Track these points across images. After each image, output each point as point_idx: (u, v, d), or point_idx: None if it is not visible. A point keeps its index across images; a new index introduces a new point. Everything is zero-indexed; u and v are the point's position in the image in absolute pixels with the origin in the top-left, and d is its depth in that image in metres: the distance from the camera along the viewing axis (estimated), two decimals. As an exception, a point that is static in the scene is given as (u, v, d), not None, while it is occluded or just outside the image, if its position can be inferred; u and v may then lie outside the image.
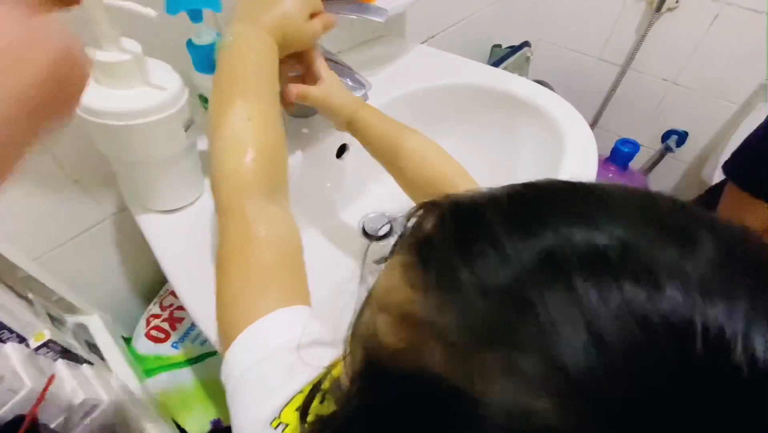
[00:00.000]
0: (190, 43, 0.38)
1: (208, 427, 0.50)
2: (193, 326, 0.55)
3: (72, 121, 0.40)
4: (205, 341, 0.55)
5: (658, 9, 1.02)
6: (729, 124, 1.09)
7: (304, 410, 0.21)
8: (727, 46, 1.00)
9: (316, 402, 0.21)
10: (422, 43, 0.84)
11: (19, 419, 0.33)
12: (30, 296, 0.47)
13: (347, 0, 0.50)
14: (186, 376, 0.53)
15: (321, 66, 0.43)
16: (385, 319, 0.15)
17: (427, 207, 0.17)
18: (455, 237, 0.14)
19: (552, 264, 0.12)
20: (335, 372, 0.22)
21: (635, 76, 1.17)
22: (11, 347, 0.39)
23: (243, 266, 0.28)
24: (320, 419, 0.19)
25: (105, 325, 0.54)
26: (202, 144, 0.45)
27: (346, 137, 0.59)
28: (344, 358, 0.19)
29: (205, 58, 0.37)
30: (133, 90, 0.33)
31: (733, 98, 1.06)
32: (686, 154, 1.21)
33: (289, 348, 0.24)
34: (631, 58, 1.14)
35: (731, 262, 0.12)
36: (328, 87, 0.42)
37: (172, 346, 0.54)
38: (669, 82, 1.13)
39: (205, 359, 0.55)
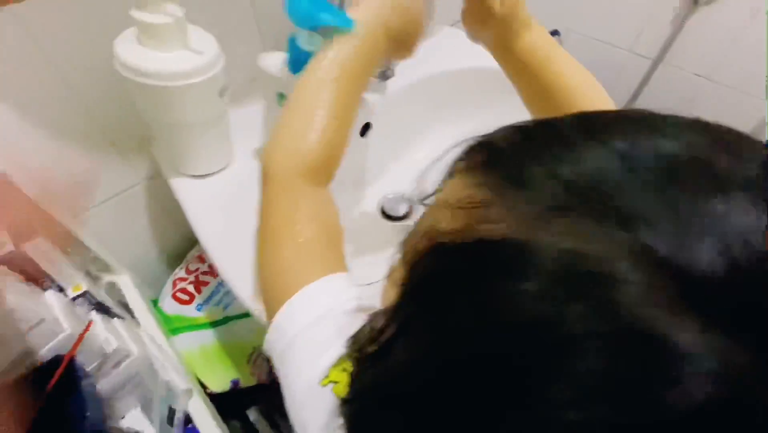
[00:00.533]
0: (293, 43, 0.37)
1: (228, 386, 0.53)
2: (217, 289, 0.58)
3: (110, 81, 0.42)
4: (228, 305, 0.58)
5: (695, 2, 0.99)
6: (760, 124, 1.06)
7: (353, 347, 0.22)
8: (764, 43, 0.96)
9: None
10: (451, 26, 0.84)
11: (58, 359, 0.36)
12: (69, 250, 0.50)
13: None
14: (208, 337, 0.56)
15: None
16: (447, 213, 0.16)
17: (485, 135, 0.19)
18: (523, 142, 0.16)
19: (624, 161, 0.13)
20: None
21: (668, 70, 1.14)
22: (51, 295, 0.41)
23: (292, 239, 0.29)
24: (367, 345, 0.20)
25: (134, 285, 0.57)
26: (235, 116, 0.46)
27: (371, 115, 0.60)
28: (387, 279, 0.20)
29: (303, 62, 0.35)
30: (173, 53, 0.34)
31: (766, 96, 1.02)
32: (716, 153, 1.18)
33: (336, 313, 0.25)
34: (664, 51, 1.10)
35: None
36: None
37: (196, 308, 0.57)
38: (702, 77, 1.10)
39: (227, 322, 0.57)
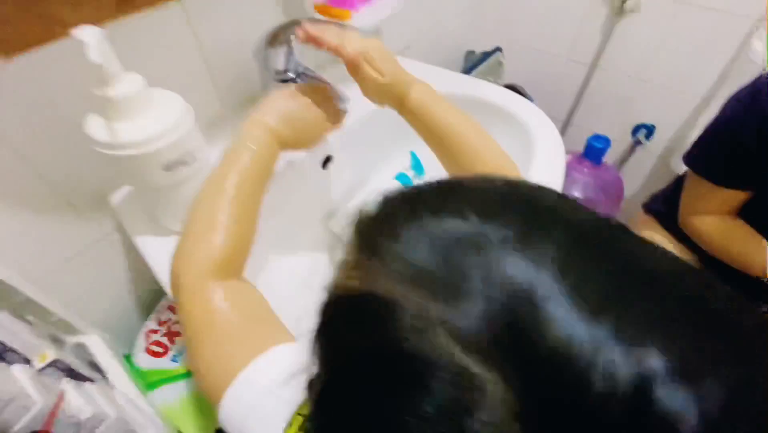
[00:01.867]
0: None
1: (212, 435, 0.52)
2: (191, 338, 0.57)
3: (56, 143, 0.42)
4: (203, 352, 0.57)
5: (620, 11, 1.08)
6: (692, 115, 1.15)
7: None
8: (686, 43, 1.06)
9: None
10: (397, 53, 0.87)
11: (33, 435, 0.35)
12: (29, 318, 0.48)
13: (321, 22, 0.53)
14: (187, 387, 0.55)
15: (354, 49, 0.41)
16: (339, 270, 0.20)
17: (371, 201, 0.22)
18: (375, 221, 0.20)
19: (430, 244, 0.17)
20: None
21: (603, 74, 1.23)
22: (18, 368, 0.40)
23: (212, 335, 0.30)
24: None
25: (104, 343, 0.56)
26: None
27: (331, 148, 0.62)
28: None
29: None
30: (139, 121, 0.35)
31: (695, 91, 1.12)
32: (655, 146, 1.27)
33: (276, 384, 0.27)
34: (597, 57, 1.19)
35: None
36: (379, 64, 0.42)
37: (171, 360, 0.56)
38: (634, 78, 1.19)
39: (204, 369, 0.57)
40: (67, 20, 0.40)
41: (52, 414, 0.36)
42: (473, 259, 0.15)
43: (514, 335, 0.13)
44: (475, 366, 0.13)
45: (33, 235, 0.47)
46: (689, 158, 0.72)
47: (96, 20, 0.41)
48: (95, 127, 0.35)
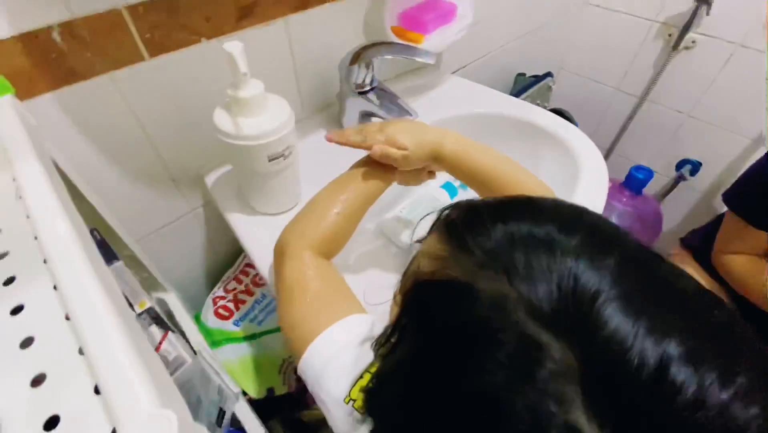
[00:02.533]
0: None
1: (265, 393, 0.59)
2: (252, 307, 0.65)
3: (176, 129, 0.51)
4: (261, 321, 0.65)
5: (675, 47, 1.10)
6: (741, 156, 1.15)
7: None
8: (739, 84, 1.07)
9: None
10: (453, 72, 0.94)
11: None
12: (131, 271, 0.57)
13: (398, 44, 0.60)
14: (245, 349, 0.63)
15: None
16: (425, 261, 0.26)
17: (453, 206, 0.28)
18: (463, 221, 0.25)
19: (510, 241, 0.22)
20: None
21: (652, 107, 1.24)
22: (126, 310, 0.49)
23: (305, 295, 0.38)
24: (377, 355, 0.29)
25: (179, 301, 0.64)
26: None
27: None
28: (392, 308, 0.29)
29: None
30: (256, 118, 0.43)
31: (745, 132, 1.12)
32: (700, 183, 1.27)
33: (351, 346, 0.34)
34: (648, 90, 1.21)
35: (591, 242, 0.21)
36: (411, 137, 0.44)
37: (234, 323, 0.64)
38: (684, 114, 1.20)
39: (260, 336, 0.65)
40: (201, 30, 0.49)
41: (156, 349, 0.44)
42: (549, 257, 0.21)
43: (580, 317, 0.19)
44: (544, 335, 0.19)
45: (140, 201, 0.57)
46: (728, 196, 0.74)
47: (221, 31, 0.50)
48: (222, 119, 0.43)
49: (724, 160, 1.20)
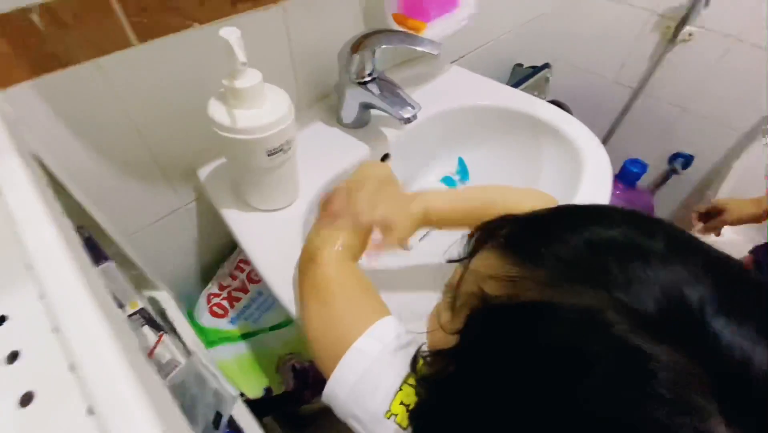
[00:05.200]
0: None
1: (262, 393, 0.58)
2: (248, 305, 0.63)
3: (167, 120, 0.49)
4: (257, 319, 0.63)
5: (672, 39, 1.10)
6: (733, 150, 1.16)
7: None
8: (734, 78, 1.07)
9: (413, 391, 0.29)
10: (453, 62, 0.92)
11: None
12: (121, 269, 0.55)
13: (400, 32, 0.58)
14: (241, 348, 0.61)
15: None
16: (493, 284, 0.23)
17: (499, 221, 0.26)
18: (531, 234, 0.23)
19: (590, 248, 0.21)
20: (419, 366, 0.30)
21: (647, 100, 1.24)
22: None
23: (328, 300, 0.36)
24: (428, 377, 0.27)
25: (172, 299, 0.62)
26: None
27: (390, 147, 0.67)
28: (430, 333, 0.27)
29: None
30: (253, 110, 0.41)
31: (738, 127, 1.13)
32: (692, 176, 1.28)
33: (384, 355, 0.32)
34: (644, 83, 1.21)
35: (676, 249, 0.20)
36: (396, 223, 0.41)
37: (229, 321, 0.62)
38: (678, 107, 1.20)
39: (256, 334, 0.63)
40: (194, 14, 0.46)
41: (150, 354, 0.42)
42: (642, 262, 0.19)
43: (692, 324, 0.18)
44: (654, 345, 0.17)
45: (130, 196, 0.54)
46: None
47: (216, 16, 0.47)
48: (217, 111, 0.40)
49: (716, 155, 1.21)
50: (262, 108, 0.40)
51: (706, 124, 1.17)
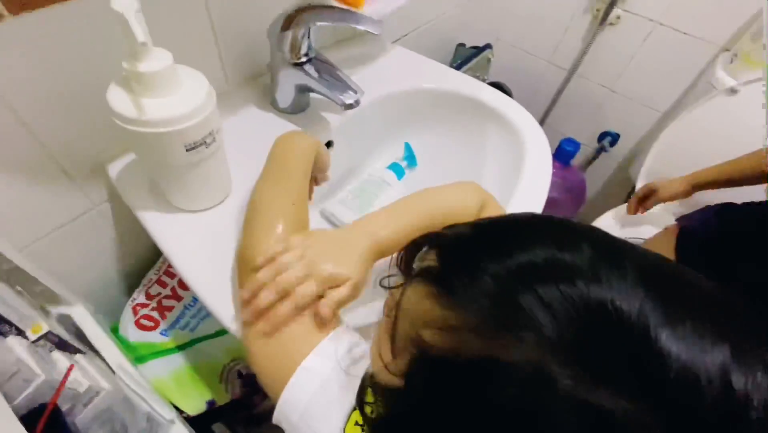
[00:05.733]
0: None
1: (204, 407, 0.53)
2: (182, 313, 0.57)
3: (60, 110, 0.41)
4: (194, 328, 0.58)
5: (602, 22, 1.14)
6: (654, 129, 1.26)
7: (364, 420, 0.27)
8: (656, 60, 1.14)
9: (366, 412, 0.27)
10: (394, 42, 0.88)
11: (40, 408, 0.35)
12: (17, 288, 0.46)
13: (337, 8, 0.53)
14: (177, 361, 0.55)
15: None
16: (430, 332, 0.21)
17: (426, 241, 0.25)
18: (457, 266, 0.21)
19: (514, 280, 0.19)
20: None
21: (580, 81, 1.30)
22: (13, 340, 0.39)
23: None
24: (377, 419, 0.25)
25: (89, 314, 0.54)
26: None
27: (332, 134, 0.63)
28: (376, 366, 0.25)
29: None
30: (166, 98, 0.34)
31: (659, 107, 1.21)
32: (617, 153, 1.37)
33: (334, 374, 0.29)
34: (576, 64, 1.25)
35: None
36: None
37: (161, 333, 0.56)
38: (607, 88, 1.27)
39: (194, 344, 0.57)
40: (83, -20, 0.38)
41: (60, 387, 0.36)
42: (565, 284, 0.18)
43: (639, 357, 0.16)
44: (591, 393, 0.16)
45: (24, 202, 0.45)
46: None
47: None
48: (118, 100, 0.33)
49: (639, 133, 1.30)
50: (175, 95, 0.34)
51: (631, 104, 1.25)
